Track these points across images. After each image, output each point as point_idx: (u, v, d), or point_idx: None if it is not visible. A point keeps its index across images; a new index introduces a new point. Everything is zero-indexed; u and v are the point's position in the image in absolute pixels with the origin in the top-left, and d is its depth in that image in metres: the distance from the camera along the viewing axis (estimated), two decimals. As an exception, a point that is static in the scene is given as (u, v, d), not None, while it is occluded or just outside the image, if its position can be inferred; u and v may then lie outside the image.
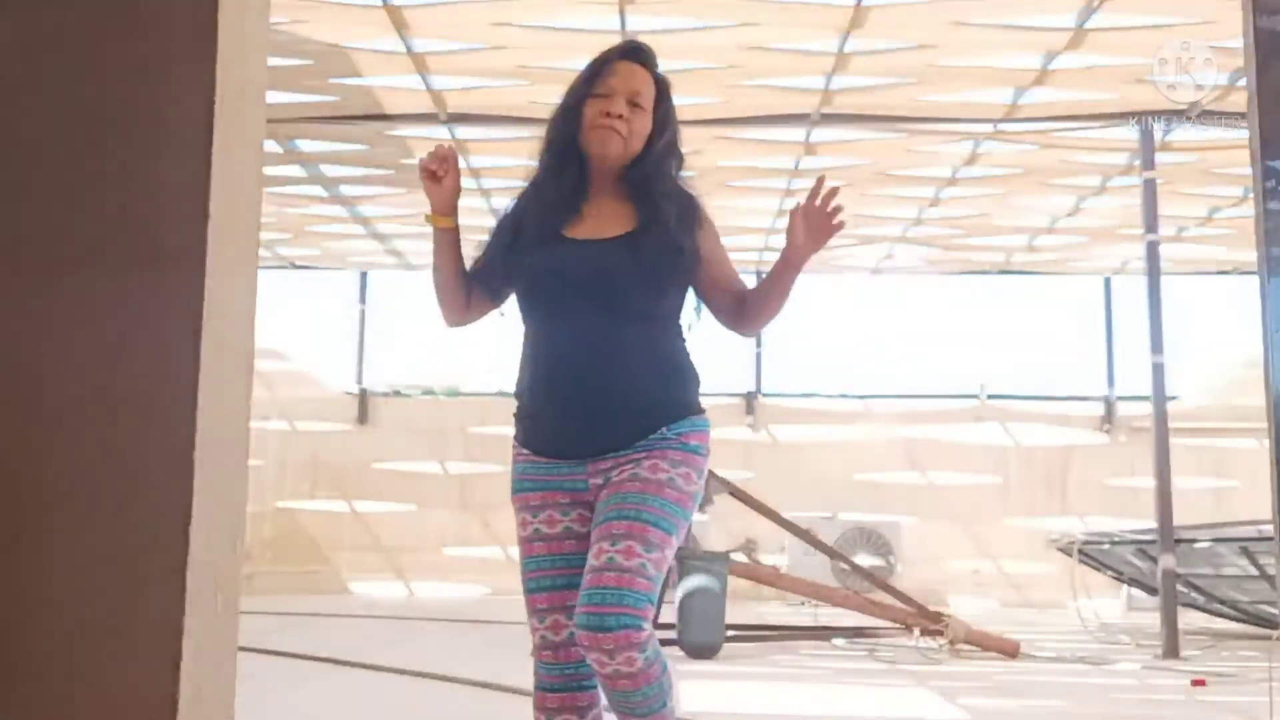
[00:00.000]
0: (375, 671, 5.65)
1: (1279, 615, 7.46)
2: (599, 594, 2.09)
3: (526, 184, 2.48)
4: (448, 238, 2.40)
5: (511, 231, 2.39)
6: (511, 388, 2.42)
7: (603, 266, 2.30)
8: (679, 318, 2.41)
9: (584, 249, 2.33)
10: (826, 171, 9.21)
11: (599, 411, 2.26)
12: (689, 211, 2.39)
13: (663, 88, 2.46)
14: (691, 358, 2.41)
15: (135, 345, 1.61)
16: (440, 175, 2.36)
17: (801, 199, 2.29)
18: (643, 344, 2.31)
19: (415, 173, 2.44)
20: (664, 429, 2.28)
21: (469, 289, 2.44)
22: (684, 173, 2.49)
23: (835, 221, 2.27)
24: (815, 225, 2.27)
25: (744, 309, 2.42)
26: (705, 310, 2.46)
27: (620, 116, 2.35)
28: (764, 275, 2.41)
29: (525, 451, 2.35)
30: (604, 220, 2.37)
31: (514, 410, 2.41)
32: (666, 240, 2.32)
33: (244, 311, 1.76)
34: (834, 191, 2.28)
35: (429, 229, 2.43)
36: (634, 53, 2.46)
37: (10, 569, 1.58)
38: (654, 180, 2.38)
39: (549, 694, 2.27)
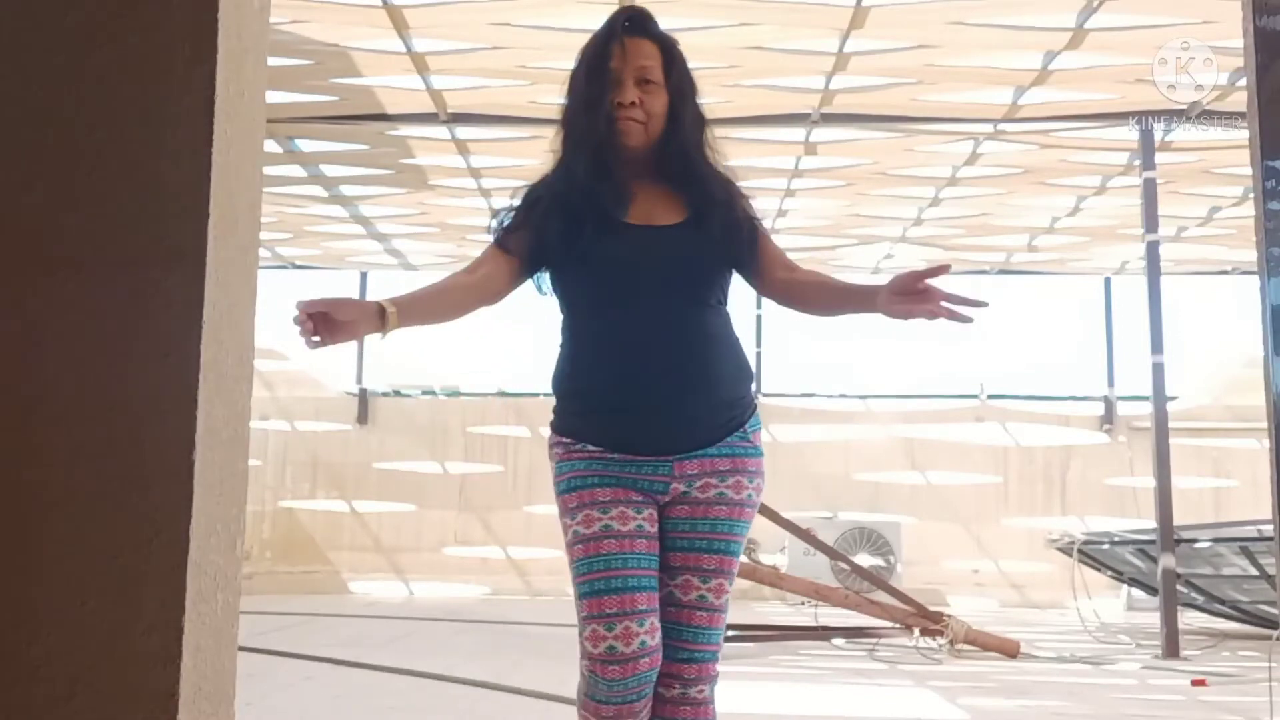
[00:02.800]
0: (375, 671, 5.66)
1: (1279, 615, 7.46)
2: (690, 631, 2.13)
3: (553, 171, 2.32)
4: (409, 321, 2.13)
5: (563, 219, 2.20)
6: (551, 383, 2.28)
7: (679, 251, 2.20)
8: (727, 303, 2.31)
9: (653, 235, 2.21)
10: (826, 171, 9.26)
11: (689, 406, 2.15)
12: (734, 188, 2.31)
13: (669, 50, 2.30)
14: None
15: (135, 345, 1.61)
16: (322, 328, 2.03)
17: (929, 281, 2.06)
18: (718, 332, 2.22)
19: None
20: (745, 426, 2.21)
21: (479, 296, 2.25)
22: (711, 135, 2.34)
23: (924, 306, 2.06)
24: (910, 297, 2.07)
25: (797, 293, 2.29)
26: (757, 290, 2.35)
27: (633, 104, 2.21)
28: (848, 285, 2.28)
29: (590, 448, 2.17)
30: (655, 206, 2.24)
31: (567, 404, 2.24)
32: (730, 222, 2.24)
33: (244, 311, 1.76)
34: (942, 280, 2.08)
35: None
36: (629, 26, 2.29)
37: (10, 569, 1.58)
38: (693, 160, 2.27)
39: (605, 705, 2.09)
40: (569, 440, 2.21)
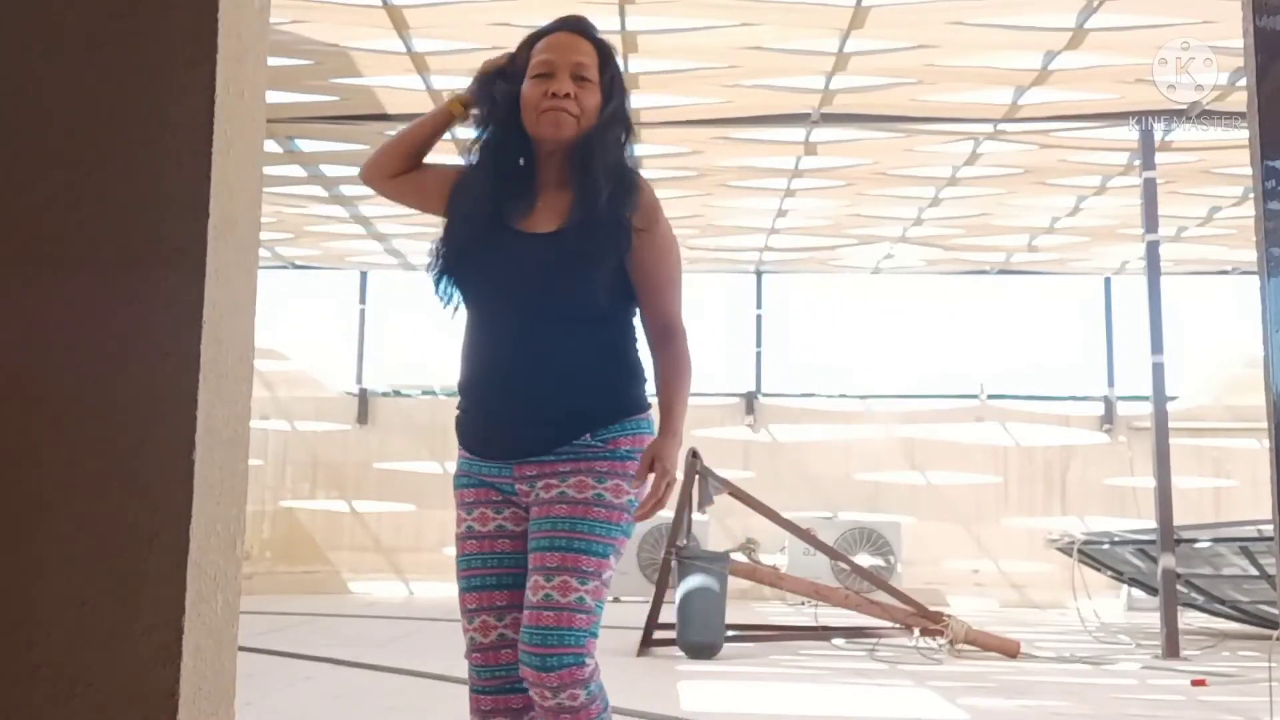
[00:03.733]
0: (375, 671, 5.66)
1: (1279, 615, 7.46)
2: (540, 634, 2.07)
3: (466, 166, 2.33)
4: (444, 120, 2.34)
5: (462, 220, 2.27)
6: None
7: (538, 262, 2.18)
8: (621, 316, 2.26)
9: (526, 243, 2.20)
10: (826, 171, 9.26)
11: (519, 417, 2.19)
12: (625, 188, 2.21)
13: (605, 54, 2.28)
14: (635, 355, 2.27)
15: (135, 345, 1.61)
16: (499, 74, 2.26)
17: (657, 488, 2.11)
18: (568, 347, 2.19)
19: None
20: (588, 435, 2.17)
21: (411, 167, 2.40)
22: (632, 146, 2.31)
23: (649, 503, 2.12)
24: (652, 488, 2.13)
25: (656, 356, 2.26)
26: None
27: (568, 95, 2.19)
28: (666, 411, 2.21)
29: (460, 448, 2.30)
30: (549, 209, 2.22)
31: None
32: (598, 224, 2.16)
33: (244, 311, 1.76)
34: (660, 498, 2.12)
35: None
36: (569, 23, 2.28)
37: (10, 569, 1.58)
38: (596, 153, 2.20)
39: (483, 696, 2.21)
40: (458, 437, 2.33)
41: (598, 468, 2.16)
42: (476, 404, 2.25)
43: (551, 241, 2.19)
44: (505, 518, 2.24)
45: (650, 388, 2.28)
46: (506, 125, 2.26)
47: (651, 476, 2.12)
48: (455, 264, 2.26)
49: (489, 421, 2.23)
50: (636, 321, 2.30)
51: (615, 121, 2.27)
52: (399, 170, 2.40)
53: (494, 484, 2.24)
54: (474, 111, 2.32)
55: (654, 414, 2.26)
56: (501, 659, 2.18)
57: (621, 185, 2.22)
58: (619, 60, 2.37)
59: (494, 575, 2.22)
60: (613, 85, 2.28)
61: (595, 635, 2.11)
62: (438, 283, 2.30)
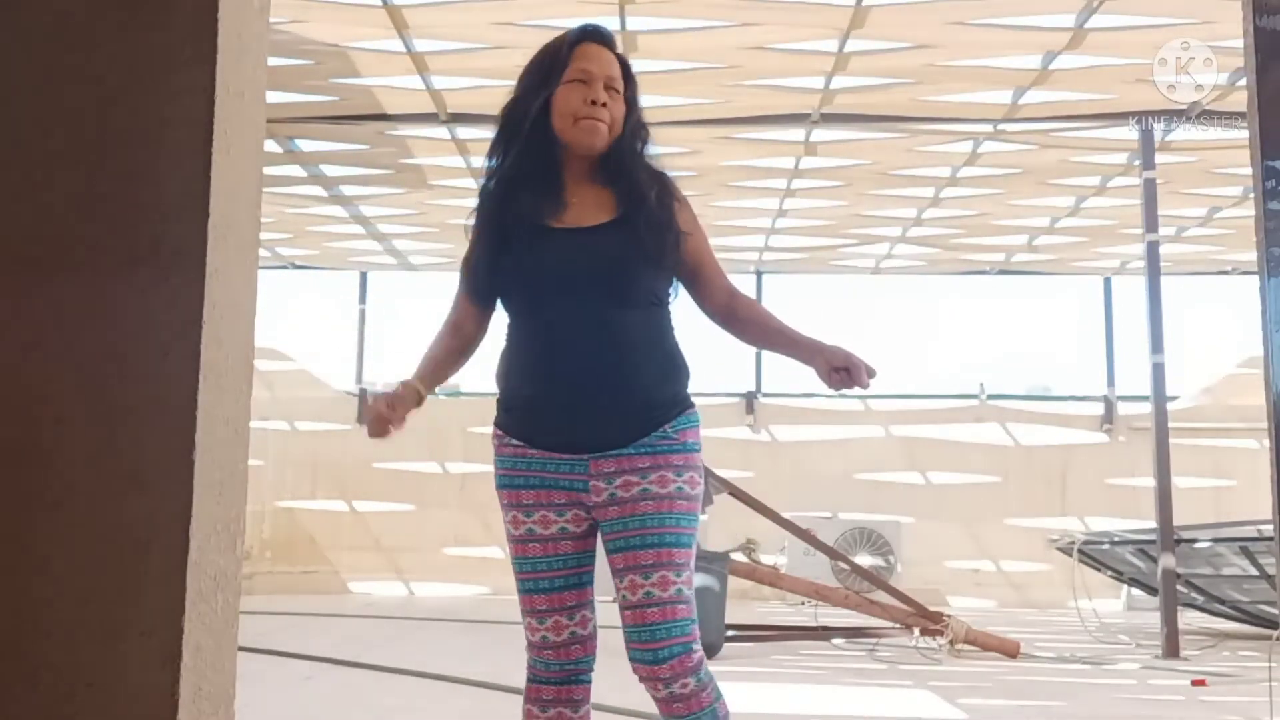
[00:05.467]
0: (375, 671, 5.66)
1: (1279, 615, 7.46)
2: (648, 630, 2.14)
3: (488, 180, 2.41)
4: (432, 386, 2.42)
5: (496, 234, 2.31)
6: (495, 377, 2.37)
7: (602, 252, 2.25)
8: (667, 309, 2.36)
9: (577, 237, 2.27)
10: (826, 171, 9.26)
11: (604, 406, 2.21)
12: (666, 188, 2.35)
13: (627, 67, 2.40)
14: (681, 348, 2.37)
15: (135, 345, 1.61)
16: (392, 420, 2.35)
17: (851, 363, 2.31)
18: (644, 333, 2.27)
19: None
20: (666, 427, 2.24)
21: (462, 343, 2.43)
22: (651, 149, 2.43)
23: (849, 384, 2.32)
24: (839, 369, 2.31)
25: (737, 321, 2.40)
26: (689, 298, 2.41)
27: (604, 105, 2.30)
28: (789, 331, 2.38)
29: (516, 443, 2.28)
30: (586, 208, 2.31)
31: (500, 399, 2.35)
32: (655, 218, 2.29)
33: (244, 311, 1.76)
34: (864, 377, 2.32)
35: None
36: (597, 35, 2.38)
37: (10, 569, 1.58)
38: (629, 161, 2.34)
39: (545, 686, 2.26)
40: (501, 433, 2.33)
41: (674, 461, 2.23)
42: (549, 394, 2.24)
43: (611, 231, 2.27)
44: (567, 520, 2.25)
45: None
46: (533, 133, 2.33)
47: (849, 369, 2.30)
48: (518, 270, 2.28)
49: (569, 411, 2.23)
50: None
51: (639, 128, 2.40)
52: (466, 355, 2.47)
53: (560, 483, 2.24)
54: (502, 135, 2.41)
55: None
56: (573, 654, 2.25)
57: (664, 188, 2.35)
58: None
59: (561, 577, 2.25)
60: (634, 98, 2.40)
61: (696, 621, 2.20)
62: (478, 290, 2.36)
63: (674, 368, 2.31)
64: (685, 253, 2.34)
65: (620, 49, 2.43)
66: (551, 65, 2.34)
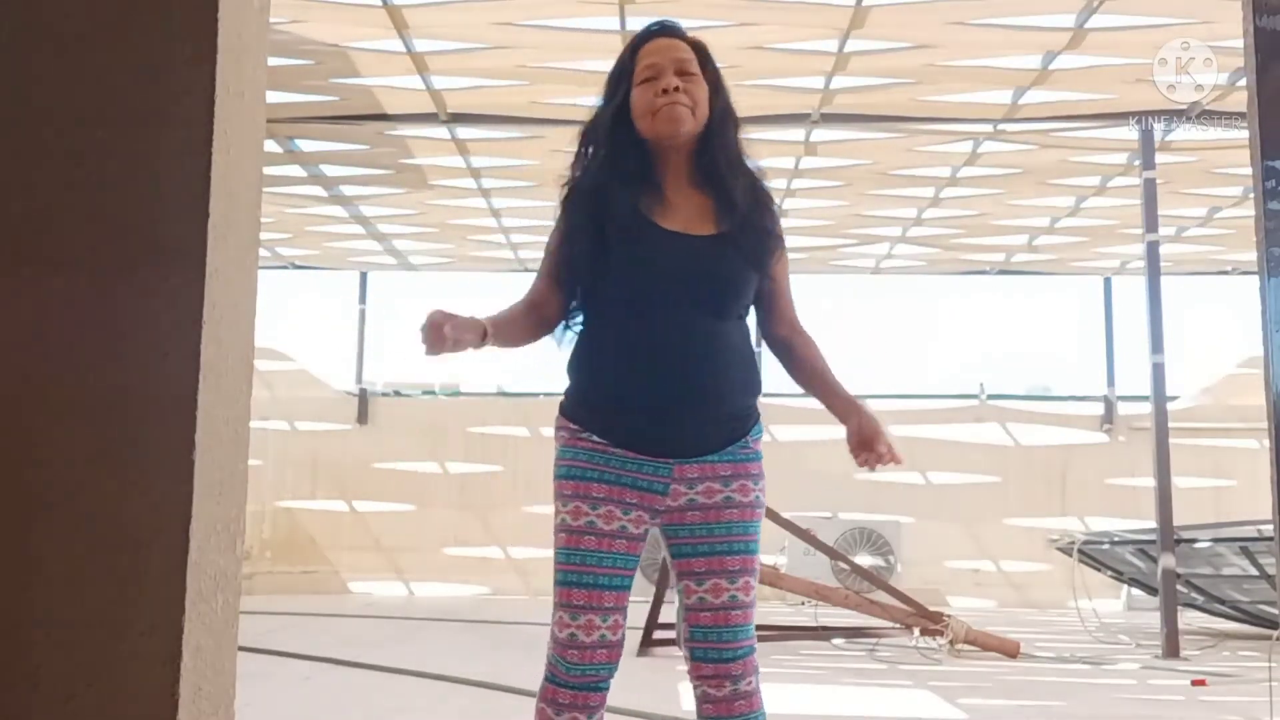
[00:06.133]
0: (375, 671, 5.66)
1: (1279, 615, 7.46)
2: (730, 631, 2.22)
3: (577, 183, 2.35)
4: (498, 341, 2.27)
5: (593, 225, 2.26)
6: (566, 368, 2.33)
7: (711, 264, 2.24)
8: (746, 320, 2.37)
9: (686, 244, 2.25)
10: (826, 171, 9.25)
11: (699, 413, 2.22)
12: (762, 196, 2.35)
13: (702, 51, 2.37)
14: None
15: (135, 345, 1.61)
16: (446, 337, 2.14)
17: (876, 449, 2.32)
18: (737, 344, 2.28)
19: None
20: (746, 437, 2.28)
21: (541, 316, 2.34)
22: (742, 135, 2.40)
23: (870, 464, 2.33)
24: (866, 446, 2.33)
25: (789, 353, 2.42)
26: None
27: (677, 89, 2.27)
28: (833, 381, 2.42)
29: (597, 440, 2.24)
30: (691, 211, 2.29)
31: (578, 393, 2.30)
32: (759, 237, 2.28)
33: (244, 311, 1.76)
34: (890, 458, 2.33)
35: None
36: (661, 29, 2.39)
37: (10, 569, 1.58)
38: (719, 155, 2.31)
39: (563, 689, 2.22)
40: (575, 427, 2.27)
41: (752, 470, 2.28)
42: (645, 401, 2.21)
43: (720, 245, 2.26)
44: (630, 519, 2.23)
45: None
46: (615, 139, 2.30)
47: (881, 449, 2.30)
48: (623, 261, 2.25)
49: (663, 416, 2.21)
50: None
51: (727, 121, 2.37)
52: (539, 333, 2.36)
53: (638, 483, 2.22)
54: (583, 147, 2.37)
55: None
56: (597, 658, 2.21)
57: (762, 194, 2.35)
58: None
59: (606, 575, 2.22)
60: (716, 80, 2.37)
61: None
62: (568, 282, 2.31)
63: (756, 379, 2.33)
64: (772, 276, 2.35)
65: (696, 37, 2.41)
66: (621, 72, 2.35)
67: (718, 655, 2.22)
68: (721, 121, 2.35)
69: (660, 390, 2.20)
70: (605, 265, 2.25)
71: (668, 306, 2.22)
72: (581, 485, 2.23)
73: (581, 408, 2.28)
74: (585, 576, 2.21)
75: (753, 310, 2.40)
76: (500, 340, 2.27)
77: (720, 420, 2.24)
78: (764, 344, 2.46)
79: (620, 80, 2.34)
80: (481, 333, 2.20)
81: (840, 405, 2.38)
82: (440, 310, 2.15)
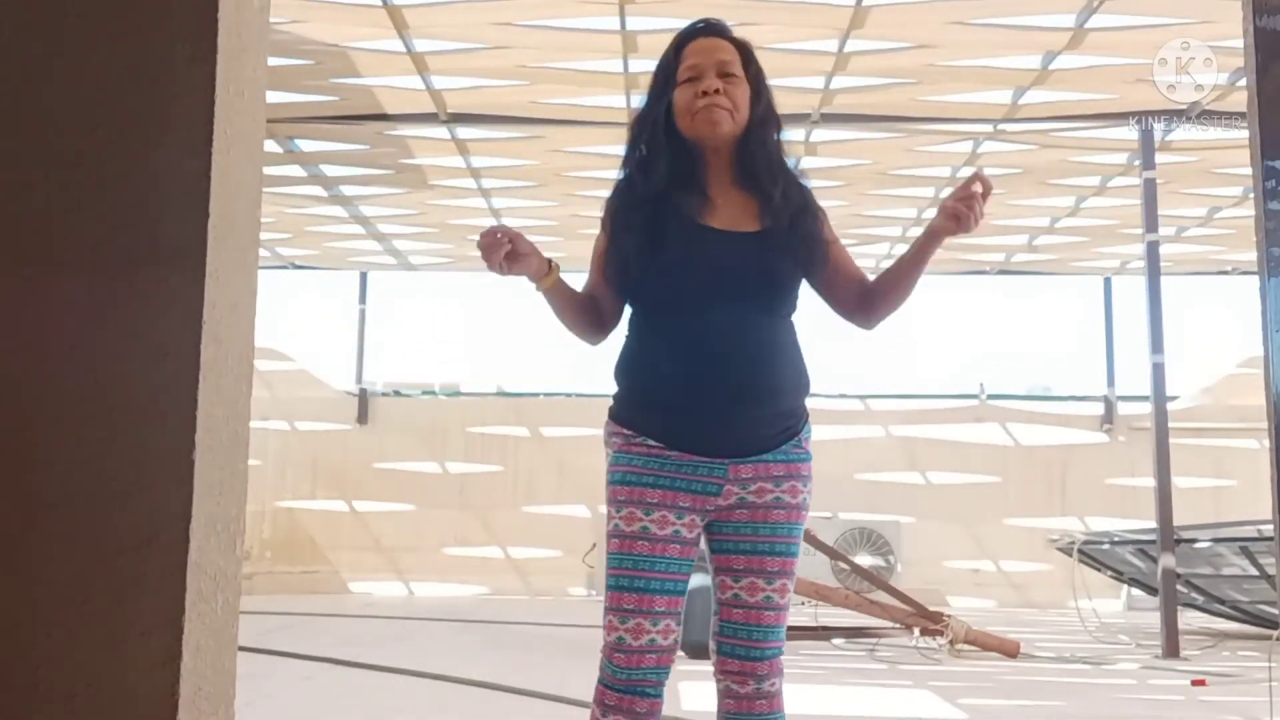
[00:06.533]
0: (375, 671, 5.66)
1: (1279, 615, 7.46)
2: (760, 631, 2.25)
3: (627, 183, 2.35)
4: (557, 292, 2.29)
5: (642, 227, 2.26)
6: (615, 372, 2.31)
7: (760, 260, 2.24)
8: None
9: (734, 241, 2.25)
10: (826, 171, 9.25)
11: (755, 413, 2.21)
12: (807, 197, 2.36)
13: (746, 51, 2.38)
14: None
15: (135, 345, 1.61)
16: (506, 253, 2.19)
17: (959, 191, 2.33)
18: (785, 342, 2.29)
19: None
20: (799, 434, 2.27)
21: (599, 310, 2.35)
22: (783, 135, 2.40)
23: (973, 217, 2.36)
24: (960, 212, 2.36)
25: (871, 295, 2.41)
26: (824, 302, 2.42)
27: (718, 91, 2.28)
28: (907, 253, 2.41)
29: (650, 443, 2.22)
30: (735, 210, 2.29)
31: (630, 396, 2.28)
32: (810, 235, 2.30)
33: (244, 311, 1.76)
34: (985, 190, 2.33)
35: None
36: (705, 27, 2.40)
37: (10, 569, 1.58)
38: (759, 156, 2.32)
39: (609, 691, 2.22)
40: (629, 432, 2.26)
41: (803, 471, 2.27)
42: (703, 402, 2.20)
43: (766, 241, 2.26)
44: (684, 524, 2.21)
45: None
46: (658, 139, 2.31)
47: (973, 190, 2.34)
48: (671, 261, 2.24)
49: (718, 416, 2.20)
50: None
51: (769, 122, 2.36)
52: (597, 322, 2.36)
53: (693, 486, 2.21)
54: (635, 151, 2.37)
55: None
56: (645, 662, 2.20)
57: (805, 197, 2.35)
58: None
59: (658, 580, 2.20)
60: (758, 80, 2.37)
61: None
62: (621, 284, 2.30)
63: (806, 378, 2.32)
64: (830, 263, 2.37)
65: (741, 37, 2.42)
66: (665, 72, 2.36)
67: (745, 653, 2.23)
68: (762, 123, 2.34)
69: (717, 388, 2.19)
70: (654, 265, 2.24)
71: (720, 304, 2.21)
72: (636, 491, 2.21)
73: (636, 411, 2.26)
74: (636, 581, 2.19)
75: (825, 301, 2.43)
76: (558, 295, 2.29)
77: (775, 418, 2.24)
78: (855, 315, 2.45)
79: (666, 77, 2.35)
80: (546, 265, 2.24)
81: (925, 242, 2.43)
82: (501, 226, 2.21)
